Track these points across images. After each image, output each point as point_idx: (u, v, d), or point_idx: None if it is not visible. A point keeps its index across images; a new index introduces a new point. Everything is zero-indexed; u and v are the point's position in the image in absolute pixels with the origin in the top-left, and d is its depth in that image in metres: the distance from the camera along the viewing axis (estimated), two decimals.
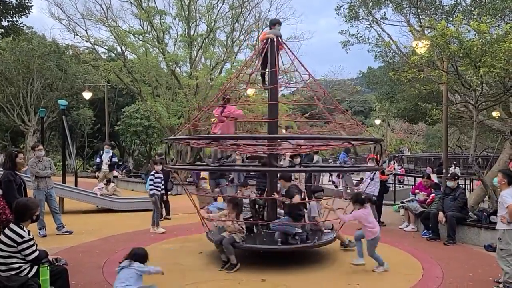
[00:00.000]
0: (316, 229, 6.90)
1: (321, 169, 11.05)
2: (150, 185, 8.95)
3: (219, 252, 6.25)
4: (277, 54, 6.94)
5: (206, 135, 7.09)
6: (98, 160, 13.66)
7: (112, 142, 25.79)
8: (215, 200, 7.73)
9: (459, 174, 12.81)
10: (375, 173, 8.66)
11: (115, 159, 13.76)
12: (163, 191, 9.62)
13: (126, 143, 32.77)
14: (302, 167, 9.14)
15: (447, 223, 7.99)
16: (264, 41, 6.96)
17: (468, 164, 11.08)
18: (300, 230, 6.31)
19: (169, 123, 18.54)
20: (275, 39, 6.94)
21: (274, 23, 7.17)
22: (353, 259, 6.34)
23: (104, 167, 13.19)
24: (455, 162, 23.67)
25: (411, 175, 19.27)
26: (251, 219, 7.06)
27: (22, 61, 21.71)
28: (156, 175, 8.99)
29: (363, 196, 6.23)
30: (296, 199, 6.36)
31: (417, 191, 9.95)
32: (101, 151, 13.90)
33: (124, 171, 21.54)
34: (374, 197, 9.25)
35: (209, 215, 7.04)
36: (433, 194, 8.97)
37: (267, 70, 7.04)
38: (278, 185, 7.24)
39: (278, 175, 7.08)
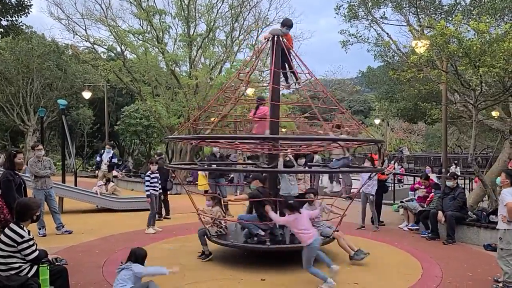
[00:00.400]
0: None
1: (321, 170, 11.05)
2: (147, 185, 8.90)
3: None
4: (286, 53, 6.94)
5: (206, 136, 7.04)
6: (98, 159, 13.62)
7: (112, 142, 25.75)
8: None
9: (459, 173, 12.79)
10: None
11: (115, 160, 13.67)
12: (161, 191, 9.60)
13: (125, 143, 32.75)
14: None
15: (446, 223, 8.00)
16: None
17: (468, 163, 11.09)
18: (262, 233, 6.40)
19: (169, 122, 18.54)
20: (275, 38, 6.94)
21: (284, 24, 7.17)
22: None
23: (104, 167, 13.15)
24: (456, 162, 23.65)
25: (411, 174, 19.27)
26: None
27: (22, 61, 21.71)
28: (152, 175, 8.96)
29: (291, 202, 5.87)
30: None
31: (417, 186, 9.93)
32: (102, 150, 13.87)
33: (124, 171, 21.54)
34: (371, 196, 9.27)
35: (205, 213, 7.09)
36: (432, 194, 8.99)
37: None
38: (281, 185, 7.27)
39: (251, 175, 7.18)
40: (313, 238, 5.38)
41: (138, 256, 4.69)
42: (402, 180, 19.98)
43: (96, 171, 13.81)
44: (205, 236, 6.52)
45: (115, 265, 6.18)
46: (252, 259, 6.43)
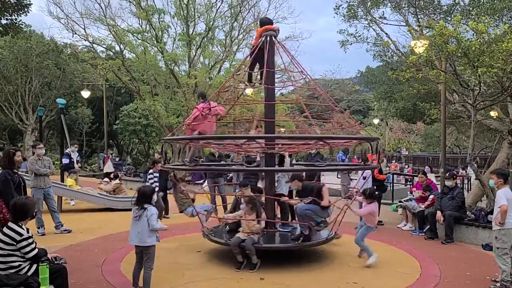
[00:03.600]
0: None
1: (318, 168, 11.04)
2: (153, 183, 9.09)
3: (236, 253, 6.01)
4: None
5: (207, 136, 7.04)
6: (66, 160, 12.05)
7: (77, 141, 25.68)
8: (193, 201, 7.61)
9: (473, 173, 12.58)
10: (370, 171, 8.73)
11: (78, 158, 12.98)
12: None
13: (124, 142, 32.76)
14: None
15: (445, 222, 8.03)
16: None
17: (466, 163, 11.10)
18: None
19: (168, 122, 18.55)
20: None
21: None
22: (365, 261, 6.38)
23: (77, 166, 12.52)
24: (465, 165, 23.07)
25: (409, 174, 19.28)
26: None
27: (20, 60, 21.67)
28: (155, 174, 9.10)
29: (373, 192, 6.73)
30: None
31: (414, 189, 9.99)
32: (69, 151, 12.40)
33: (128, 172, 21.52)
34: None
35: (196, 215, 7.05)
36: (432, 196, 8.98)
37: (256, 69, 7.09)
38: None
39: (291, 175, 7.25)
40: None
41: (146, 196, 4.92)
42: (409, 180, 19.54)
43: (66, 173, 12.20)
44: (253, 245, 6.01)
45: (114, 264, 6.22)
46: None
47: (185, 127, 7.32)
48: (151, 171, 9.21)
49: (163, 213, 10.44)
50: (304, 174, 7.94)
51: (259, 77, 7.41)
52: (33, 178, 8.20)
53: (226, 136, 7.58)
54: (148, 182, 9.52)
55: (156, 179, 9.55)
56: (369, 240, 7.94)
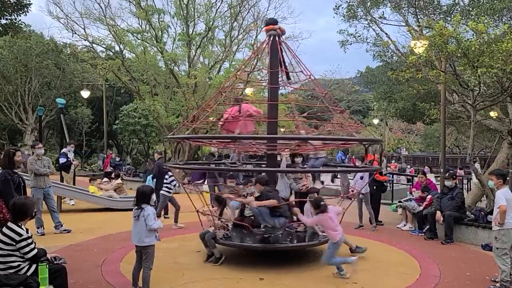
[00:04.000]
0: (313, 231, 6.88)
1: (317, 170, 11.03)
2: (166, 185, 9.31)
3: (204, 246, 6.49)
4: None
5: (206, 135, 7.06)
6: (63, 159, 12.15)
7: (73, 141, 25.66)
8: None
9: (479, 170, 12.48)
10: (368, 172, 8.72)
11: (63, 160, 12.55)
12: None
13: (124, 142, 32.72)
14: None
15: (444, 223, 8.03)
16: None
17: (466, 163, 11.11)
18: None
19: (168, 122, 18.53)
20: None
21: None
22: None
23: (73, 166, 12.51)
24: (463, 165, 22.87)
25: (409, 175, 19.26)
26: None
27: (20, 60, 21.67)
28: (170, 173, 9.25)
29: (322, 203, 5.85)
30: (272, 202, 6.29)
31: (414, 189, 10.00)
32: (66, 151, 12.45)
33: (128, 172, 21.51)
34: (362, 195, 9.20)
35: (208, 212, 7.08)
36: (430, 196, 8.99)
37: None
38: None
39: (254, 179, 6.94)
40: (339, 236, 5.70)
41: (146, 195, 4.91)
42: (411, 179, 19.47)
43: (63, 173, 12.35)
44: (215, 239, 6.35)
45: (114, 264, 6.21)
46: (251, 259, 6.44)
47: (219, 128, 7.46)
48: (170, 173, 9.34)
49: (163, 213, 10.44)
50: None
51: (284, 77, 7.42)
52: (33, 178, 8.19)
53: (227, 136, 7.55)
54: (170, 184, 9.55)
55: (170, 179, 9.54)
56: (368, 240, 7.98)
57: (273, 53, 6.93)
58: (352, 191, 8.80)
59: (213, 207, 7.00)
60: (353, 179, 9.93)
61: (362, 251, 6.75)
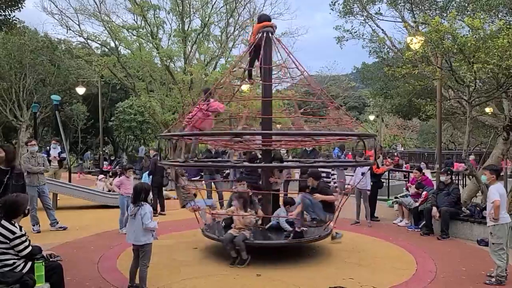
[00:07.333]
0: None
1: (315, 165, 11.05)
2: None
3: (228, 249, 6.08)
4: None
5: (204, 132, 7.01)
6: (44, 155, 11.54)
7: (59, 137, 25.58)
8: (195, 196, 7.59)
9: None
10: (368, 168, 8.72)
11: (63, 155, 12.72)
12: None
13: (120, 139, 32.62)
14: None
15: (440, 218, 8.06)
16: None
17: (462, 159, 11.15)
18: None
19: (164, 118, 18.48)
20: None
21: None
22: None
23: (54, 163, 12.13)
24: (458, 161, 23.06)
25: (406, 170, 19.32)
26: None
27: (14, 56, 21.44)
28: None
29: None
30: (331, 198, 6.74)
31: (409, 185, 10.03)
32: (48, 147, 12.49)
33: (117, 167, 21.44)
34: (368, 191, 9.30)
35: (198, 211, 7.04)
36: (425, 192, 9.01)
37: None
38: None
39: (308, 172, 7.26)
40: None
41: (147, 192, 4.96)
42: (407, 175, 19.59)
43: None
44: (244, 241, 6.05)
45: (110, 261, 6.20)
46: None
47: (184, 124, 7.27)
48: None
49: (159, 209, 10.43)
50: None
51: (258, 73, 7.40)
52: (27, 176, 8.10)
53: (225, 133, 7.54)
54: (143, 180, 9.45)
55: None
56: (365, 236, 8.03)
57: (267, 49, 6.89)
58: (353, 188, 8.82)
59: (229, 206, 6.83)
60: (352, 175, 9.93)
61: (340, 237, 7.28)
